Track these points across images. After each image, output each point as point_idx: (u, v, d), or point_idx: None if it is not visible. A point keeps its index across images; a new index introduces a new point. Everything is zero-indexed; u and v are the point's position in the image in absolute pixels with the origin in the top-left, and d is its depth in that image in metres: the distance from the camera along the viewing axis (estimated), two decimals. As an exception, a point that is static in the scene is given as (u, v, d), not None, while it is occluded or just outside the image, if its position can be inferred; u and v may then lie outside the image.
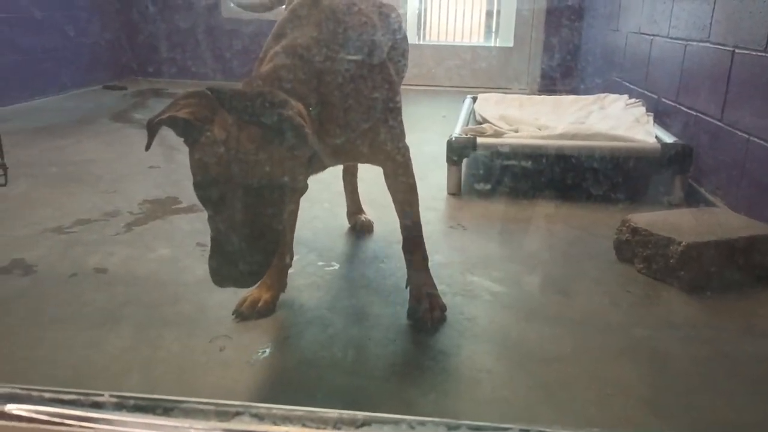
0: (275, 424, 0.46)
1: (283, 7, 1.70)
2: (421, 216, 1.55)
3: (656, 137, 2.46)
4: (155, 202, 2.28)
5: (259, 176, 1.06)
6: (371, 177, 2.32)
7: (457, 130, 2.57)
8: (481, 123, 2.75)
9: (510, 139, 2.50)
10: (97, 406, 0.46)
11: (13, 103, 3.94)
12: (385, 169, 1.49)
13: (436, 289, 1.54)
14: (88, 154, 2.93)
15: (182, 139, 1.14)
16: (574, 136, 2.43)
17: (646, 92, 3.07)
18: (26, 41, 4.05)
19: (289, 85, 1.19)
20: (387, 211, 2.14)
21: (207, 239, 1.92)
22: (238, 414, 0.47)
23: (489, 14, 5.12)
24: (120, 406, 0.46)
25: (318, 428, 0.47)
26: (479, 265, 1.79)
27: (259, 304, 1.50)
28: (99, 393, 0.49)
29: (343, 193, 2.08)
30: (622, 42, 3.57)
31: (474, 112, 3.01)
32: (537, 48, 4.88)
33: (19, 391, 0.48)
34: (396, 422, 0.47)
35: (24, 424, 0.45)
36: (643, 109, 2.84)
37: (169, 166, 2.72)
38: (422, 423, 0.46)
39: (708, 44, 2.37)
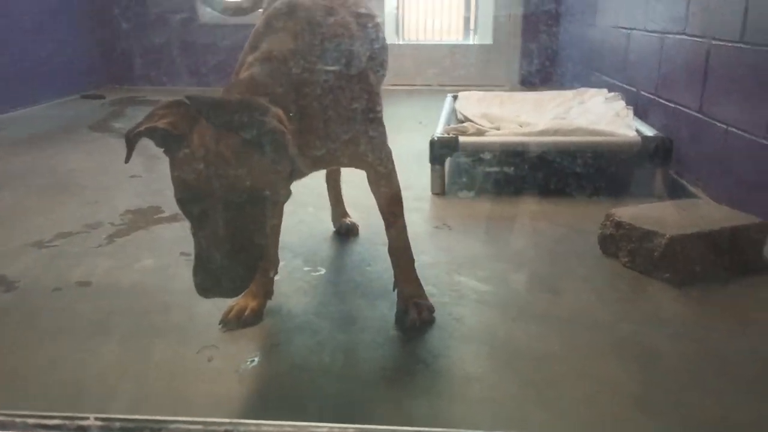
0: (265, 441, 0.45)
1: (261, 10, 1.69)
2: (406, 217, 1.55)
3: (636, 131, 2.48)
4: (137, 212, 2.26)
5: (240, 186, 1.05)
6: (355, 180, 2.31)
7: (439, 130, 2.58)
8: (462, 122, 2.75)
9: (492, 138, 2.51)
10: (83, 429, 0.45)
11: (-11, 115, 3.89)
12: (369, 176, 1.49)
13: (424, 291, 1.54)
14: (69, 165, 2.89)
15: (162, 149, 1.13)
16: (555, 132, 2.44)
17: (625, 86, 3.09)
18: (1, 51, 4.00)
19: (268, 92, 1.18)
20: (371, 213, 2.13)
21: (191, 248, 1.91)
22: (227, 432, 0.47)
23: (467, 11, 5.14)
24: (106, 429, 0.45)
25: (308, 443, 0.46)
26: (466, 265, 1.79)
27: (246, 313, 1.49)
28: (84, 416, 0.48)
29: (327, 196, 2.07)
30: (600, 36, 3.59)
31: (455, 111, 3.02)
32: (516, 45, 4.90)
33: (2, 418, 0.47)
34: (388, 434, 0.46)
35: (8, 452, 0.44)
36: (623, 102, 2.86)
37: (150, 176, 2.70)
38: (413, 434, 0.46)
39: (684, 36, 2.39)
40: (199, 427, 0.47)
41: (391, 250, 1.54)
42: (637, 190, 2.45)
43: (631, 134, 2.43)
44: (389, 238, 1.53)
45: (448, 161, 2.50)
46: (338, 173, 2.04)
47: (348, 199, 2.09)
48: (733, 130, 2.02)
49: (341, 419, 0.95)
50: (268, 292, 1.55)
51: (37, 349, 1.38)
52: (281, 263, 1.67)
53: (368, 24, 1.47)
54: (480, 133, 2.53)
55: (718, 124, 2.11)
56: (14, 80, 4.12)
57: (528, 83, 4.87)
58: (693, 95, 2.30)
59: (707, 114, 2.20)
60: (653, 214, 1.81)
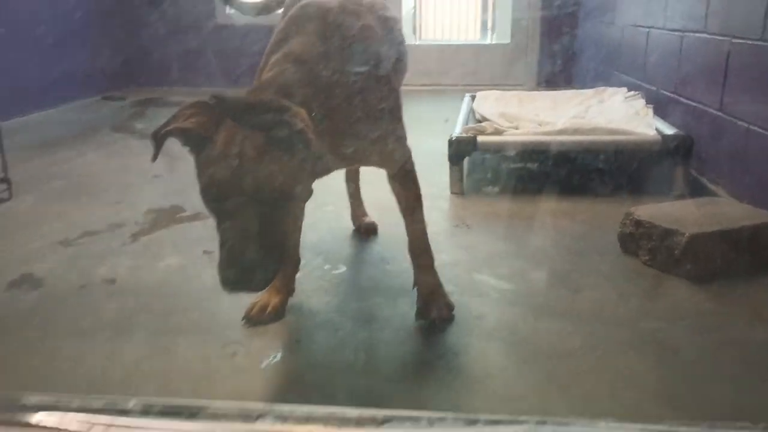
0: (298, 423, 0.47)
1: (281, 10, 1.71)
2: (425, 216, 1.56)
3: (656, 129, 2.47)
4: (160, 211, 2.29)
5: (264, 185, 1.08)
6: (374, 179, 2.32)
7: (457, 130, 2.58)
8: (480, 121, 2.75)
9: (510, 137, 2.51)
10: (124, 412, 0.47)
11: (14, 116, 3.96)
12: (389, 174, 1.51)
13: (443, 288, 1.55)
14: (92, 166, 2.94)
15: (187, 149, 1.16)
16: (574, 131, 2.44)
17: (644, 84, 3.07)
18: (23, 55, 4.07)
19: (291, 93, 1.20)
20: (391, 212, 2.15)
21: (213, 246, 1.93)
22: (261, 416, 0.48)
23: (484, 11, 5.14)
24: (146, 411, 0.47)
25: (339, 427, 0.48)
26: (485, 263, 1.80)
27: (268, 310, 1.51)
28: (126, 399, 0.50)
29: (347, 195, 2.09)
30: (619, 35, 3.58)
31: (473, 111, 3.02)
32: (534, 44, 4.89)
33: (48, 400, 0.49)
34: (415, 419, 0.48)
35: (53, 433, 0.46)
36: (643, 101, 2.85)
37: (172, 176, 2.73)
38: (441, 419, 0.47)
39: (705, 34, 2.38)
40: (235, 410, 0.49)
41: (411, 248, 1.55)
42: (657, 189, 2.44)
43: (651, 133, 2.42)
44: (409, 237, 1.54)
45: (466, 161, 2.51)
46: (357, 173, 2.06)
47: (367, 199, 2.11)
48: (754, 128, 2.01)
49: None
50: (289, 289, 1.57)
51: (63, 346, 1.41)
52: (302, 261, 1.69)
53: (389, 24, 1.49)
54: (498, 132, 2.54)
55: (739, 123, 2.10)
56: (36, 82, 4.19)
57: (546, 83, 4.85)
58: (713, 93, 2.28)
59: (728, 112, 2.19)
60: (673, 212, 1.80)
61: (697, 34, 2.44)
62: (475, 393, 1.22)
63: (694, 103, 2.48)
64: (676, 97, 2.66)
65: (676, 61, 2.65)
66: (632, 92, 3.02)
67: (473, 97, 3.29)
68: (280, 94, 1.18)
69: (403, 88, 1.58)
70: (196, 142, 1.11)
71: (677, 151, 2.33)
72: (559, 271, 1.76)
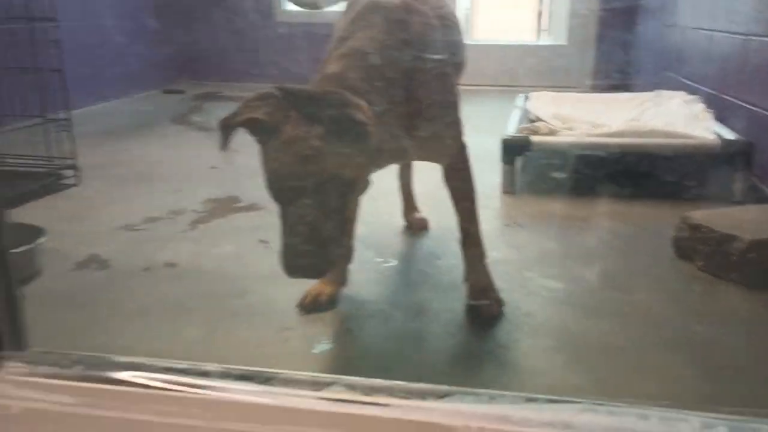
0: (365, 393, 0.50)
1: (337, 5, 1.75)
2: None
3: (716, 133, 2.42)
4: (217, 201, 2.37)
5: (327, 174, 1.12)
6: (426, 175, 2.34)
7: (510, 129, 2.59)
8: (534, 121, 2.75)
9: (565, 138, 2.50)
10: (206, 374, 0.51)
11: (81, 107, 4.13)
12: (445, 167, 1.53)
13: (494, 285, 1.56)
14: (153, 156, 3.05)
15: (254, 138, 1.20)
16: (630, 134, 2.41)
17: (704, 88, 3.01)
18: (90, 48, 4.24)
19: (354, 86, 1.23)
20: (441, 208, 2.17)
21: (268, 236, 2.00)
22: (331, 384, 0.51)
23: (540, 12, 5.09)
24: (226, 375, 0.51)
25: (404, 398, 0.51)
26: (536, 262, 1.80)
27: (321, 298, 1.55)
28: (207, 363, 0.54)
29: (398, 191, 2.12)
30: (679, 38, 3.51)
31: (527, 111, 3.01)
32: (590, 45, 4.83)
33: (136, 360, 0.54)
34: (477, 394, 0.50)
35: (141, 390, 0.50)
36: (702, 105, 2.79)
37: (228, 167, 2.82)
38: (502, 395, 0.50)
39: (770, 38, 2.32)
40: (307, 378, 0.52)
41: (463, 243, 1.57)
42: (715, 194, 2.39)
43: (710, 137, 2.38)
44: (462, 231, 1.56)
45: (519, 160, 2.51)
46: (410, 168, 2.09)
47: (418, 195, 2.13)
48: (821, 134, 1.95)
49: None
50: (342, 279, 1.61)
51: (129, 323, 1.49)
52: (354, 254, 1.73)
53: (449, 21, 1.51)
54: (552, 133, 2.53)
55: (804, 128, 2.04)
56: (99, 75, 4.36)
57: (602, 84, 4.78)
58: (777, 98, 2.22)
59: (792, 118, 2.13)
60: (732, 217, 1.77)
61: (763, 39, 2.38)
62: (522, 388, 1.24)
63: (756, 108, 2.42)
64: (738, 101, 2.59)
65: (739, 65, 2.59)
66: (691, 96, 2.96)
67: (527, 97, 3.28)
68: (343, 87, 1.21)
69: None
70: (264, 132, 1.16)
71: (737, 156, 2.28)
72: (610, 273, 1.75)
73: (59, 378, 0.52)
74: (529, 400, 0.49)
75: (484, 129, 3.11)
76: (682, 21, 3.50)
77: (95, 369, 0.54)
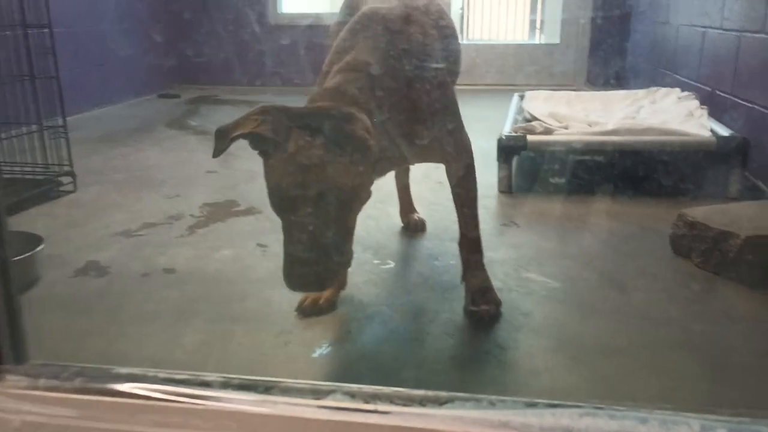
0: (365, 401, 0.50)
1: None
2: (476, 213, 1.58)
3: (711, 130, 2.43)
4: (215, 205, 2.37)
5: (331, 189, 1.13)
6: (423, 177, 2.34)
7: (506, 129, 2.59)
8: (530, 121, 2.75)
9: (560, 137, 2.50)
10: (206, 384, 0.52)
11: (76, 113, 4.12)
12: (448, 169, 1.54)
13: (492, 285, 1.57)
14: (150, 161, 3.05)
15: (257, 152, 1.21)
16: (625, 132, 2.42)
17: (698, 85, 3.02)
18: (85, 54, 4.24)
19: (355, 101, 1.24)
20: (439, 210, 2.18)
21: (266, 240, 2.00)
22: (331, 392, 0.52)
23: (533, 11, 5.10)
24: (226, 384, 0.51)
25: (405, 405, 0.51)
26: (534, 262, 1.81)
27: (321, 302, 1.56)
28: (207, 374, 0.55)
29: (396, 192, 2.13)
30: (673, 35, 3.52)
31: (522, 110, 3.02)
32: (584, 44, 4.84)
33: (136, 371, 0.54)
34: (477, 400, 0.50)
35: (142, 402, 0.50)
36: (697, 102, 2.80)
37: (225, 171, 2.82)
38: (502, 400, 0.50)
39: (764, 35, 2.32)
40: (307, 386, 0.52)
41: (462, 243, 1.58)
42: (711, 191, 2.40)
43: (705, 134, 2.39)
44: (462, 231, 1.57)
45: (515, 160, 2.51)
46: (407, 170, 2.09)
47: (415, 196, 2.14)
48: (815, 130, 1.96)
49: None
50: (341, 282, 1.61)
51: (128, 330, 1.49)
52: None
53: (445, 27, 1.52)
54: (548, 132, 2.53)
55: (799, 124, 2.05)
56: (94, 80, 4.37)
57: (596, 83, 4.79)
58: (772, 94, 2.23)
59: (787, 113, 2.14)
60: (728, 214, 1.78)
61: (756, 35, 2.39)
62: (521, 388, 1.24)
63: (751, 105, 2.43)
64: (733, 98, 2.60)
65: (733, 62, 2.60)
66: (686, 93, 2.97)
67: (522, 97, 3.29)
68: (344, 101, 1.22)
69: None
70: (267, 146, 1.17)
71: (733, 153, 2.29)
72: (607, 271, 1.75)
73: (59, 391, 0.53)
74: (529, 405, 0.49)
75: (480, 129, 3.12)
76: (675, 18, 3.51)
77: (95, 381, 0.54)
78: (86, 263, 1.85)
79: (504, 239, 2.00)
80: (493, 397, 0.50)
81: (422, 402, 0.50)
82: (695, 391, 1.20)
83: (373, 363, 1.36)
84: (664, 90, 3.12)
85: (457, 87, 1.58)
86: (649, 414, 0.48)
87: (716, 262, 1.69)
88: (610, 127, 2.49)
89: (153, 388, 0.53)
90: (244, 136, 1.16)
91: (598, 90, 3.81)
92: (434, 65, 1.40)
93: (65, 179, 2.52)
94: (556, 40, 4.94)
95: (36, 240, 1.76)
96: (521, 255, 1.86)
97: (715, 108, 2.74)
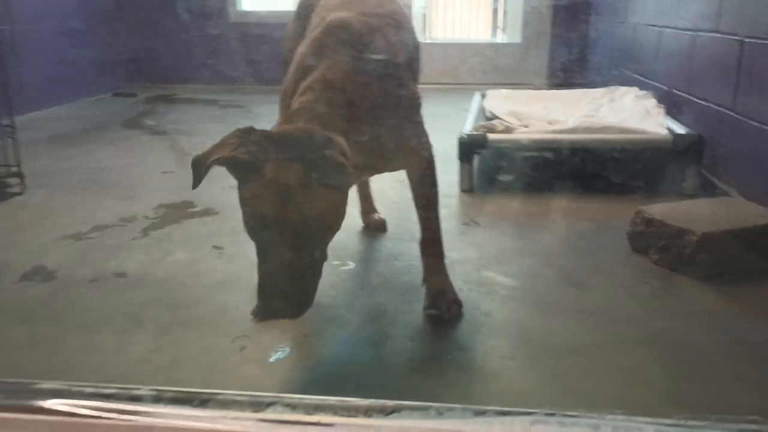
0: (307, 413, 0.47)
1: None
2: (436, 214, 1.56)
3: (668, 128, 2.46)
4: (170, 206, 2.30)
5: (308, 214, 1.11)
6: (383, 176, 2.31)
7: (467, 127, 2.58)
8: (491, 119, 2.75)
9: (521, 135, 2.51)
10: (136, 399, 0.48)
11: (26, 112, 3.99)
12: (410, 173, 1.52)
13: (452, 285, 1.55)
14: (103, 161, 2.96)
15: (232, 175, 1.17)
16: (585, 130, 2.43)
17: (656, 84, 3.06)
18: (35, 51, 4.10)
19: (330, 121, 1.22)
20: (400, 209, 2.16)
21: (222, 242, 1.95)
22: (271, 404, 0.49)
23: (495, 10, 5.13)
24: (158, 398, 0.48)
25: (349, 416, 0.48)
26: (494, 261, 1.80)
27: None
28: (137, 387, 0.51)
29: (356, 192, 2.10)
30: (631, 34, 3.57)
31: (484, 109, 3.02)
32: (544, 43, 4.88)
33: (60, 386, 0.50)
34: (424, 409, 0.48)
35: (66, 419, 0.46)
36: (654, 100, 2.83)
37: (182, 172, 2.75)
38: (450, 409, 0.47)
39: (717, 34, 2.36)
40: (246, 398, 0.49)
41: (424, 244, 1.56)
42: (668, 188, 2.43)
43: (662, 132, 2.41)
44: (422, 232, 1.55)
45: (476, 159, 2.51)
46: (367, 169, 2.07)
47: (376, 195, 2.11)
48: (767, 128, 1.99)
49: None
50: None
51: (73, 338, 1.42)
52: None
53: (405, 30, 1.50)
54: (509, 130, 2.53)
55: (751, 122, 2.09)
56: (47, 79, 4.23)
57: (557, 82, 4.84)
58: (726, 93, 2.27)
59: (740, 112, 2.18)
60: (684, 211, 1.80)
61: (710, 34, 2.43)
62: (482, 389, 1.22)
63: (706, 103, 2.47)
64: (688, 96, 2.64)
65: (689, 61, 2.64)
66: (643, 91, 3.00)
67: (484, 96, 3.29)
68: (319, 122, 1.20)
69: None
70: (243, 170, 1.13)
71: (689, 150, 2.32)
72: (567, 269, 1.75)
73: (-25, 408, 0.49)
74: (479, 413, 0.47)
75: (441, 128, 3.11)
76: (632, 18, 3.55)
77: (15, 397, 0.50)
78: (32, 268, 1.77)
79: (465, 238, 1.99)
80: (441, 405, 0.48)
81: (367, 412, 0.48)
82: (654, 389, 1.20)
83: (330, 367, 1.32)
84: (622, 89, 3.16)
85: (420, 86, 1.56)
86: (602, 420, 0.46)
87: (673, 259, 1.70)
88: (569, 125, 2.50)
89: (78, 404, 0.49)
90: (220, 161, 1.12)
91: (559, 89, 3.85)
92: (399, 73, 1.39)
93: (12, 181, 2.42)
94: (518, 39, 4.98)
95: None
96: (482, 254, 1.85)
97: (672, 106, 2.78)
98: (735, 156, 2.23)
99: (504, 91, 3.31)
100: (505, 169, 2.74)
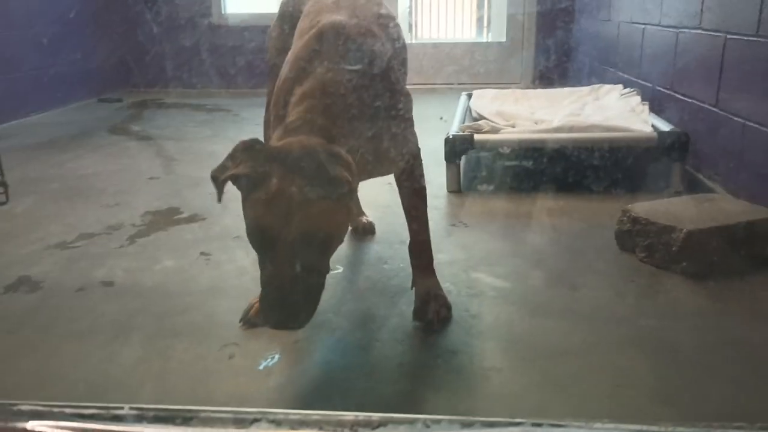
0: (292, 429, 0.47)
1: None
2: (424, 217, 1.56)
3: (652, 126, 2.47)
4: (157, 213, 2.29)
5: (313, 228, 1.11)
6: (371, 179, 2.30)
7: (454, 128, 2.59)
8: (477, 120, 2.75)
9: (507, 135, 2.51)
10: (118, 419, 0.47)
11: (10, 119, 3.95)
12: (398, 174, 1.52)
13: (441, 288, 1.55)
14: (89, 168, 2.94)
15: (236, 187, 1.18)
16: (570, 129, 2.44)
17: (640, 81, 3.08)
18: (19, 57, 4.06)
19: (332, 133, 1.22)
20: (388, 212, 2.16)
21: (210, 248, 1.94)
22: (255, 420, 0.48)
23: (480, 9, 5.14)
24: (140, 417, 0.47)
25: (335, 431, 0.48)
26: (482, 262, 1.80)
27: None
28: (119, 406, 0.50)
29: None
30: (614, 32, 3.58)
31: (470, 109, 3.02)
32: (530, 42, 4.90)
33: (40, 407, 0.49)
34: (411, 422, 0.48)
35: (47, 441, 0.46)
36: (639, 98, 2.85)
37: (168, 177, 2.73)
38: (437, 421, 0.47)
39: (700, 31, 2.38)
40: (229, 415, 0.49)
41: (412, 247, 1.55)
42: (654, 186, 2.44)
43: (647, 129, 2.43)
44: (411, 235, 1.55)
45: (463, 159, 2.51)
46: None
47: (364, 199, 2.11)
48: (750, 124, 2.01)
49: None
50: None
51: (61, 348, 1.41)
52: (299, 262, 1.69)
53: (393, 31, 1.50)
54: (495, 130, 2.54)
55: (735, 119, 2.10)
56: (31, 85, 4.19)
57: (542, 80, 4.86)
58: (709, 90, 2.28)
59: (724, 108, 2.19)
60: (670, 209, 1.81)
61: (693, 31, 2.44)
62: (472, 393, 1.22)
63: (690, 100, 2.48)
64: (672, 93, 2.66)
65: (672, 58, 2.66)
66: (628, 89, 3.02)
67: (470, 96, 3.30)
68: (323, 136, 1.20)
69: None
70: (248, 182, 1.14)
71: (673, 147, 2.33)
72: (556, 269, 1.76)
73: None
74: (466, 425, 0.47)
75: (429, 129, 3.11)
76: (616, 16, 3.57)
77: (-6, 420, 0.50)
78: (17, 278, 1.75)
79: (453, 240, 1.99)
80: (428, 418, 0.47)
81: (353, 427, 0.47)
82: (642, 389, 1.20)
83: (320, 374, 1.32)
84: (606, 87, 3.18)
85: (407, 87, 1.56)
86: (589, 429, 0.46)
87: (660, 257, 1.71)
88: (555, 124, 2.51)
89: (59, 426, 0.48)
90: (232, 178, 1.14)
91: (544, 87, 3.86)
92: (397, 78, 1.40)
93: (-4, 190, 2.40)
94: (503, 38, 4.99)
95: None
96: (470, 255, 1.85)
97: (656, 103, 2.79)
98: (719, 153, 2.24)
99: (490, 91, 3.32)
100: (492, 170, 2.75)
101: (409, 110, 1.46)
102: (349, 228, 2.07)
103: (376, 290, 1.66)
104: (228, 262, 1.83)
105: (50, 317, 1.55)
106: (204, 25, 5.03)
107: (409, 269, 1.57)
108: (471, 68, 4.99)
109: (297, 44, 1.40)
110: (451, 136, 2.46)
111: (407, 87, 1.54)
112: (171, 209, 2.32)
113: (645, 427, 0.47)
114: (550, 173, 2.59)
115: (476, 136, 2.46)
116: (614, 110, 2.72)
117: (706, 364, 1.29)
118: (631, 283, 1.66)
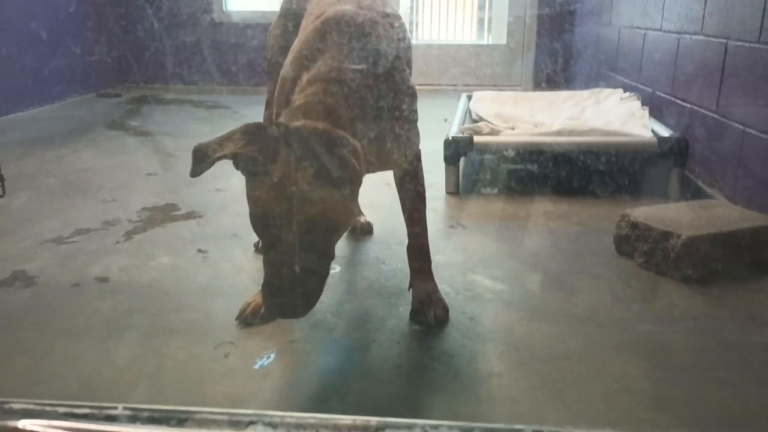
0: (289, 431, 0.46)
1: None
2: (423, 218, 1.55)
3: (652, 131, 2.47)
4: (154, 209, 2.28)
5: (318, 215, 1.10)
6: (369, 178, 2.30)
7: (453, 130, 2.58)
8: (477, 121, 2.75)
9: (506, 137, 2.51)
10: (111, 419, 0.47)
11: (7, 113, 3.94)
12: (398, 174, 1.51)
13: (439, 290, 1.54)
14: (86, 163, 2.92)
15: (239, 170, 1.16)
16: (570, 132, 2.44)
17: (640, 86, 3.07)
18: (19, 51, 4.05)
19: (340, 119, 1.20)
20: (386, 213, 2.15)
21: (206, 245, 1.93)
22: (251, 423, 0.47)
23: (481, 11, 5.13)
24: (134, 418, 0.46)
25: (332, 435, 0.47)
26: (480, 264, 1.79)
27: (262, 310, 1.50)
28: (113, 406, 0.49)
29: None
30: (615, 36, 3.58)
31: (470, 111, 3.02)
32: (531, 45, 4.89)
33: (33, 406, 0.48)
34: (410, 427, 0.47)
35: (39, 440, 0.45)
36: (639, 102, 2.85)
37: (166, 174, 2.72)
38: (435, 427, 0.47)
39: (701, 36, 2.37)
40: (225, 417, 0.48)
41: (411, 248, 1.55)
42: (653, 191, 2.44)
43: (646, 134, 2.42)
44: (410, 236, 1.54)
45: (462, 161, 2.50)
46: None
47: (362, 199, 2.10)
48: (750, 131, 2.01)
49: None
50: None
51: (55, 346, 1.40)
52: (297, 261, 1.68)
53: (397, 25, 1.50)
54: (495, 132, 2.53)
55: (735, 125, 2.10)
56: (31, 79, 4.18)
57: (542, 83, 4.85)
58: (710, 96, 2.28)
59: (724, 114, 2.19)
60: (669, 214, 1.80)
61: (694, 36, 2.44)
62: (469, 396, 1.22)
63: (690, 105, 2.48)
64: (673, 98, 2.66)
65: (673, 63, 2.65)
66: (628, 93, 3.02)
67: (470, 98, 3.29)
68: (329, 119, 1.18)
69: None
70: (251, 167, 1.12)
71: (673, 153, 2.33)
72: (554, 273, 1.75)
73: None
74: (465, 430, 0.46)
75: (428, 130, 3.11)
76: (617, 20, 3.57)
77: (-15, 418, 0.49)
78: (12, 273, 1.74)
79: (451, 241, 1.98)
80: (426, 423, 0.47)
81: (351, 430, 0.47)
82: (638, 393, 1.20)
83: (316, 374, 1.31)
84: (607, 91, 3.17)
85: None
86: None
87: (658, 262, 1.71)
88: (555, 127, 2.50)
89: (52, 425, 0.47)
90: (227, 156, 1.11)
91: (545, 90, 3.86)
92: (405, 69, 1.39)
93: (-8, 184, 2.38)
94: (504, 41, 4.99)
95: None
96: (468, 257, 1.85)
97: (656, 108, 2.79)
98: (719, 158, 2.24)
99: (490, 93, 3.32)
100: (491, 172, 2.74)
101: (415, 104, 1.45)
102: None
103: (374, 291, 1.66)
104: (225, 260, 1.82)
105: (44, 314, 1.54)
106: (205, 21, 5.02)
107: (407, 270, 1.56)
108: (471, 70, 4.99)
109: (303, 33, 1.40)
110: (450, 138, 2.46)
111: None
112: (168, 206, 2.31)
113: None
114: (549, 176, 2.59)
115: (476, 138, 2.45)
116: (614, 114, 2.72)
117: (702, 367, 1.28)
118: (629, 288, 1.66)
